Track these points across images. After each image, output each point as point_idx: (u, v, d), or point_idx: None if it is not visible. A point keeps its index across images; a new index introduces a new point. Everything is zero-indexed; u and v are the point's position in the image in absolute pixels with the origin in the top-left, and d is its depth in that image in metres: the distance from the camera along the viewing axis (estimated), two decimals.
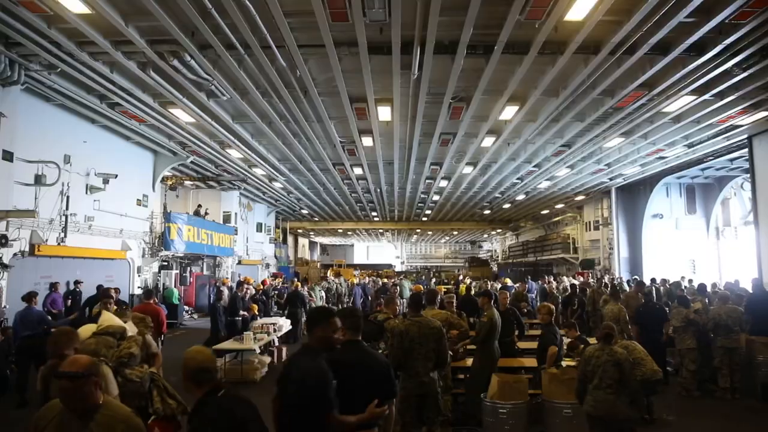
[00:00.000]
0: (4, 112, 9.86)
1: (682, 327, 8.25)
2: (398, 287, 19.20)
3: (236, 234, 23.24)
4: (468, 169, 18.44)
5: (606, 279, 18.22)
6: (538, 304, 12.85)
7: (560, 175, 19.35)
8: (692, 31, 7.79)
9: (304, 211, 32.12)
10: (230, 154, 16.08)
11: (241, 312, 11.53)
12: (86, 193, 13.30)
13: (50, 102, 11.66)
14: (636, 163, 17.50)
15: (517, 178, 20.18)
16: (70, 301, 11.65)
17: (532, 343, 7.96)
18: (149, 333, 5.38)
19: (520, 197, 24.86)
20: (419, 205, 28.40)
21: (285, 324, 11.78)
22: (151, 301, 8.67)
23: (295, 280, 19.74)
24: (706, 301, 10.30)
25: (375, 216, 33.63)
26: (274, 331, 10.54)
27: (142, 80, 10.01)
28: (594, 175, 19.66)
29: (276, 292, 17.76)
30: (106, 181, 13.56)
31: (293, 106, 11.30)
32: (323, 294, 18.04)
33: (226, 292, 12.73)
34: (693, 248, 21.37)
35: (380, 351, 5.56)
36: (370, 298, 19.06)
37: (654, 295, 13.29)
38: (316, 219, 35.90)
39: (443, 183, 21.30)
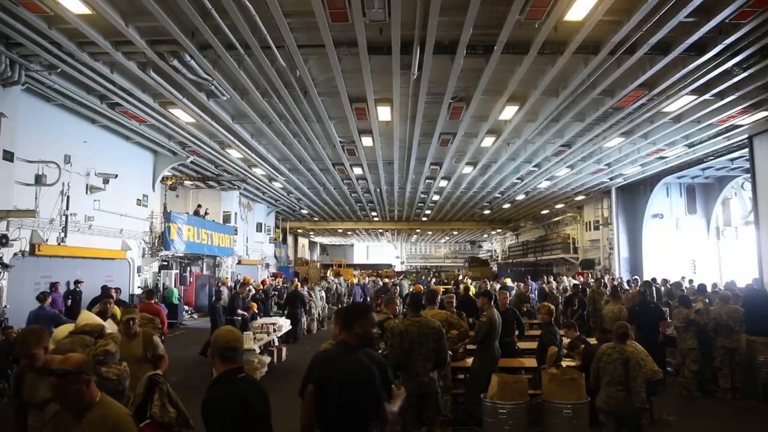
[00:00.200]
0: (4, 112, 9.86)
1: (683, 327, 8.24)
2: (398, 287, 19.20)
3: (236, 234, 23.24)
4: (468, 169, 18.44)
5: (606, 279, 18.20)
6: (537, 304, 12.84)
7: (560, 175, 19.34)
8: (692, 31, 7.78)
9: (304, 211, 32.12)
10: (230, 154, 16.08)
11: (240, 312, 11.53)
12: (86, 193, 13.31)
13: (50, 102, 11.67)
14: (636, 163, 17.50)
15: (517, 178, 20.18)
16: (70, 300, 11.65)
17: (532, 343, 7.95)
18: (157, 334, 5.30)
19: (520, 197, 24.85)
20: (419, 205, 28.40)
21: (285, 324, 11.78)
22: (153, 302, 8.66)
23: (295, 280, 19.74)
24: (707, 301, 10.29)
25: (375, 216, 33.63)
26: (274, 331, 10.53)
27: (142, 80, 10.01)
28: (594, 175, 19.66)
29: (276, 292, 17.76)
30: (106, 181, 13.57)
31: (293, 106, 11.30)
32: (323, 294, 18.03)
33: (225, 291, 12.73)
34: (693, 248, 21.35)
35: (380, 351, 5.56)
36: (369, 299, 19.08)
37: (654, 295, 13.28)
38: (316, 219, 35.89)
39: (443, 183, 21.29)
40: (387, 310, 6.86)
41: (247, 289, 12.66)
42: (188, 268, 20.83)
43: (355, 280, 24.98)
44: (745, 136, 13.63)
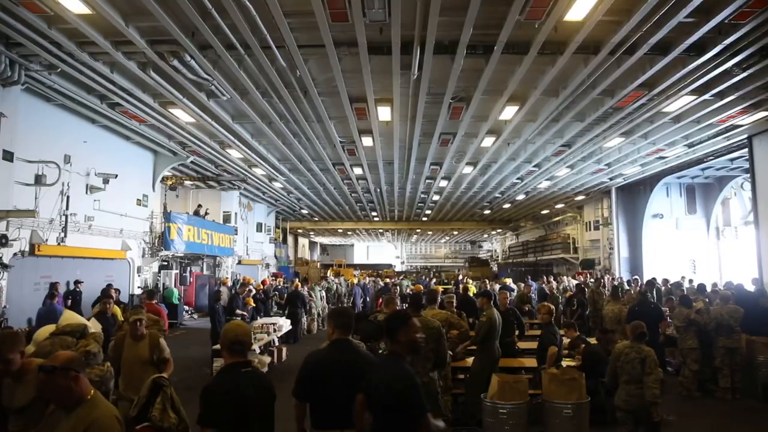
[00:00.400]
0: (4, 112, 9.85)
1: (684, 327, 8.25)
2: (398, 287, 19.21)
3: (236, 234, 23.23)
4: (468, 169, 18.44)
5: (606, 279, 18.22)
6: (537, 304, 12.84)
7: (560, 175, 19.34)
8: (692, 31, 7.79)
9: (304, 211, 32.12)
10: (230, 154, 16.07)
11: (239, 311, 11.50)
12: (86, 193, 13.31)
13: (50, 102, 11.66)
14: (636, 163, 17.50)
15: (517, 178, 20.18)
16: (70, 300, 11.64)
17: (532, 343, 7.95)
18: (162, 336, 5.26)
19: (520, 197, 24.85)
20: (419, 205, 28.40)
21: (285, 324, 11.77)
22: (153, 302, 8.65)
23: (296, 280, 19.74)
24: (707, 300, 10.30)
25: (375, 216, 33.63)
26: (274, 331, 10.53)
27: (142, 80, 10.01)
28: (594, 175, 19.66)
29: (276, 292, 17.75)
30: (106, 181, 13.56)
31: (293, 106, 11.30)
32: (323, 294, 18.03)
33: (225, 291, 12.71)
34: (693, 248, 21.36)
35: (380, 351, 5.56)
36: (369, 299, 19.08)
37: (654, 295, 13.29)
38: (316, 219, 35.89)
39: (443, 183, 21.29)
40: (387, 310, 6.86)
41: (247, 289, 12.65)
42: (188, 268, 20.83)
43: (356, 280, 24.95)
44: (745, 136, 13.64)
